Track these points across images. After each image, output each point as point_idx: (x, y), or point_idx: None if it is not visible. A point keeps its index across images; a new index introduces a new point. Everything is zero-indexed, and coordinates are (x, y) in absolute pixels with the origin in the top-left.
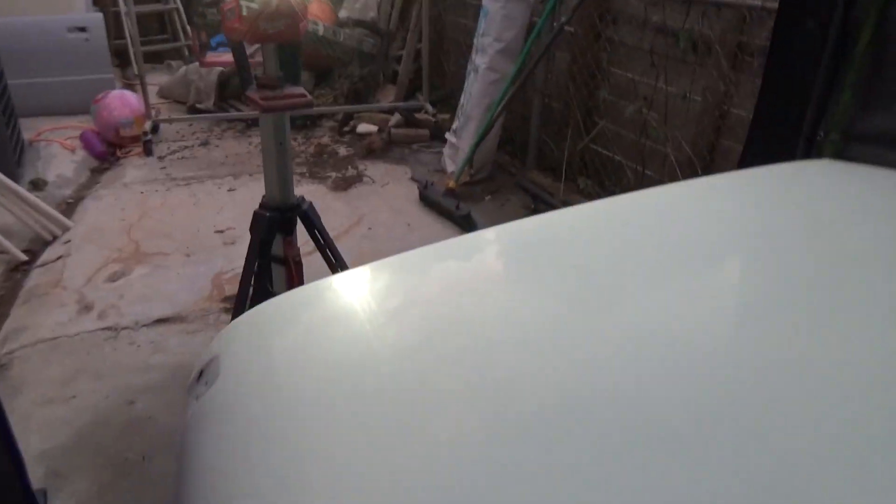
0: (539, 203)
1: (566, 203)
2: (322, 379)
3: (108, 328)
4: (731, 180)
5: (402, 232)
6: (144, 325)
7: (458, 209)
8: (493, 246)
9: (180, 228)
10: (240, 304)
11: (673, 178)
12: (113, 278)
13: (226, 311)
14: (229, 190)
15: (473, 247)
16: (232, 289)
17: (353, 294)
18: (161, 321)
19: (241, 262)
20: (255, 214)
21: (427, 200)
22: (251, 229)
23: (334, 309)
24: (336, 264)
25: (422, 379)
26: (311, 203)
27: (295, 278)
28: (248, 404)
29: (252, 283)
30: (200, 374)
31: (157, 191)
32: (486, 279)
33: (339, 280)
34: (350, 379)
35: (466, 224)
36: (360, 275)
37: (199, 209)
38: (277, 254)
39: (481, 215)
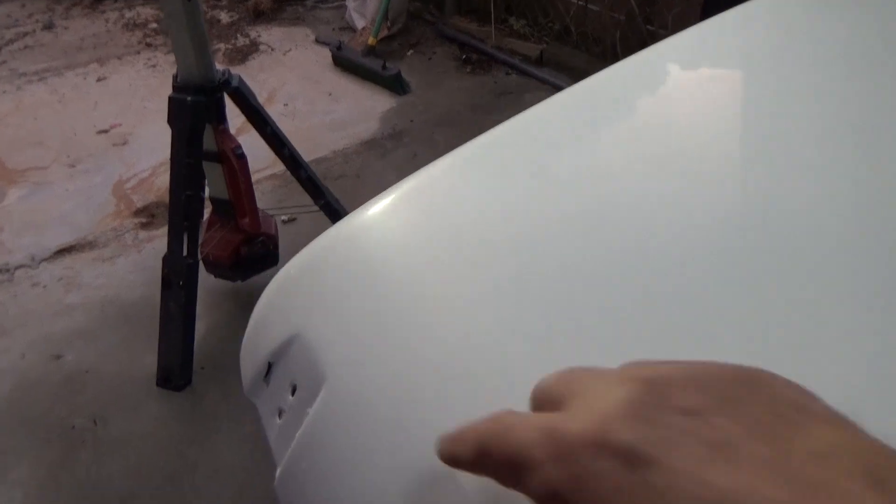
0: (469, 51)
1: (501, 48)
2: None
3: None
4: None
5: (326, 104)
6: (44, 260)
7: (384, 69)
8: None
9: (51, 134)
10: (176, 218)
11: (622, 8)
12: None
13: (143, 226)
14: (99, 80)
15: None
16: (141, 199)
17: (454, 193)
18: (64, 251)
19: (142, 166)
20: (173, 102)
21: (343, 64)
22: (170, 121)
23: (446, 221)
24: (287, 151)
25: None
26: (240, 76)
27: (240, 176)
28: (416, 415)
29: (186, 189)
30: (269, 369)
31: (4, 92)
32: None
33: (424, 181)
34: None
35: (397, 85)
36: (445, 168)
37: (68, 107)
38: (209, 148)
39: (409, 73)
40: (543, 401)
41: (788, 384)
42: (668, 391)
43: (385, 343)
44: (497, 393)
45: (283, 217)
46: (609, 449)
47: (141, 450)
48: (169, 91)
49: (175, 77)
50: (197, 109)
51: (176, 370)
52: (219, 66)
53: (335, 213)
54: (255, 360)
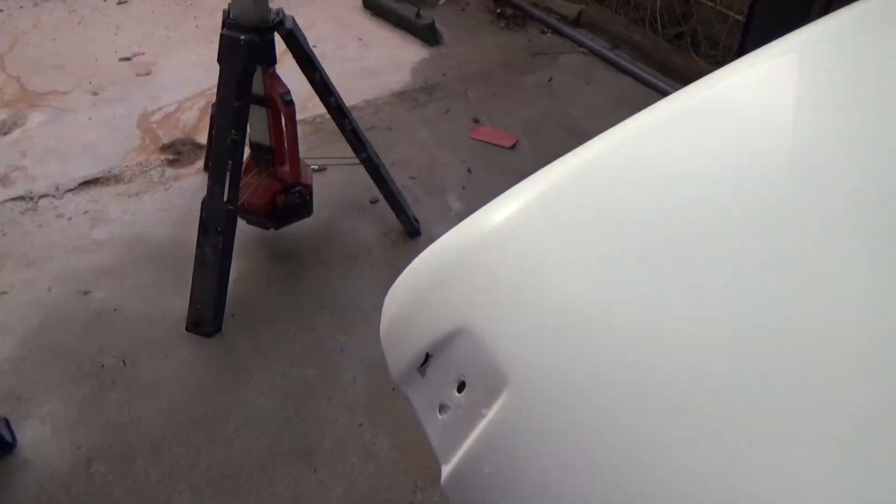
0: (504, 5)
1: (537, 5)
2: None
3: (21, 198)
4: None
5: (356, 49)
6: (69, 191)
7: (418, 17)
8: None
9: (72, 57)
10: (219, 162)
11: None
12: (3, 130)
13: (170, 163)
14: (119, 2)
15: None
16: (167, 135)
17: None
18: (89, 183)
19: (168, 100)
20: (225, 39)
21: (374, 7)
22: (222, 60)
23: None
24: (333, 100)
25: None
26: (293, 18)
27: (286, 123)
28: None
29: (233, 133)
30: (426, 360)
31: (21, 7)
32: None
33: (576, 171)
34: None
35: (430, 35)
36: (595, 157)
37: (88, 30)
38: (255, 91)
39: (441, 23)
40: None
41: None
42: None
43: (578, 353)
44: (702, 397)
45: (314, 166)
46: None
47: (171, 394)
48: (193, 21)
49: (226, 13)
50: (251, 50)
51: (207, 316)
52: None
53: (375, 168)
54: (408, 348)
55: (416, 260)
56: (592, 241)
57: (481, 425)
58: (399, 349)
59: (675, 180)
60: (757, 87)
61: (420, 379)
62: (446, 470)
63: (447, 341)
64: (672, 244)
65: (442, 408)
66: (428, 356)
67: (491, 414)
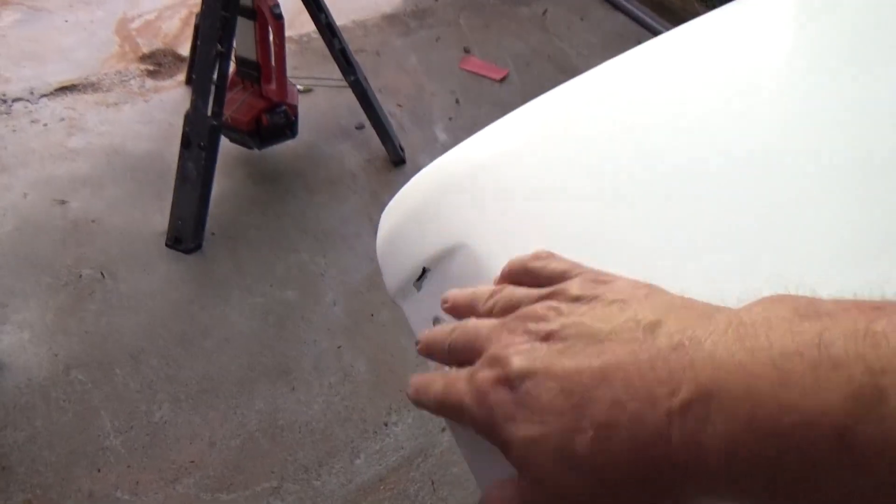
0: None
1: None
2: None
3: None
4: None
5: None
6: (45, 96)
7: None
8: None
9: None
10: (203, 75)
11: None
12: None
13: (150, 74)
14: None
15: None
16: (147, 44)
17: None
18: (66, 89)
19: (148, 6)
20: None
21: None
22: None
23: None
24: (324, 17)
25: None
26: None
27: (275, 38)
28: None
29: (218, 45)
30: (423, 274)
31: None
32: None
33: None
34: None
35: None
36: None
37: None
38: (244, 3)
39: None
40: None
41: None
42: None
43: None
44: None
45: (299, 87)
46: (500, 381)
47: (150, 308)
48: None
49: None
50: None
51: (188, 233)
52: None
53: (363, 92)
54: (404, 262)
55: (420, 173)
56: (592, 166)
57: None
58: (396, 262)
59: (666, 114)
60: (750, 30)
61: (415, 292)
62: None
63: (446, 256)
64: (663, 172)
65: (436, 321)
66: (425, 270)
67: None
